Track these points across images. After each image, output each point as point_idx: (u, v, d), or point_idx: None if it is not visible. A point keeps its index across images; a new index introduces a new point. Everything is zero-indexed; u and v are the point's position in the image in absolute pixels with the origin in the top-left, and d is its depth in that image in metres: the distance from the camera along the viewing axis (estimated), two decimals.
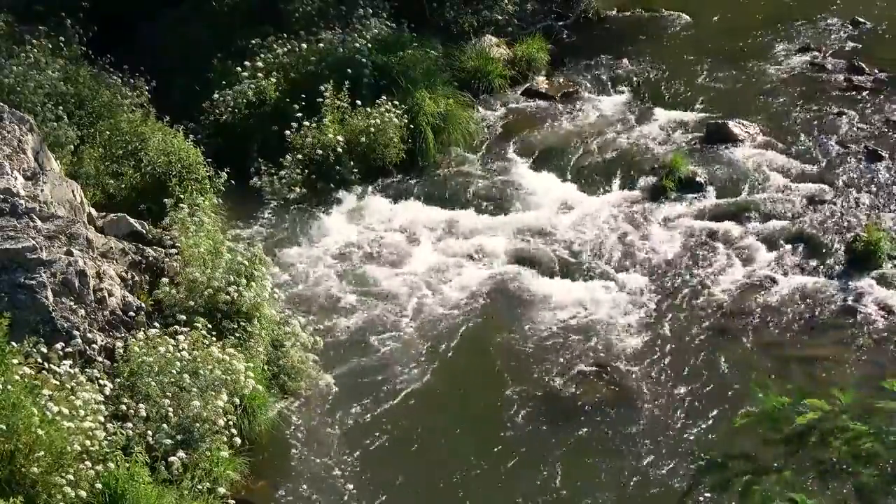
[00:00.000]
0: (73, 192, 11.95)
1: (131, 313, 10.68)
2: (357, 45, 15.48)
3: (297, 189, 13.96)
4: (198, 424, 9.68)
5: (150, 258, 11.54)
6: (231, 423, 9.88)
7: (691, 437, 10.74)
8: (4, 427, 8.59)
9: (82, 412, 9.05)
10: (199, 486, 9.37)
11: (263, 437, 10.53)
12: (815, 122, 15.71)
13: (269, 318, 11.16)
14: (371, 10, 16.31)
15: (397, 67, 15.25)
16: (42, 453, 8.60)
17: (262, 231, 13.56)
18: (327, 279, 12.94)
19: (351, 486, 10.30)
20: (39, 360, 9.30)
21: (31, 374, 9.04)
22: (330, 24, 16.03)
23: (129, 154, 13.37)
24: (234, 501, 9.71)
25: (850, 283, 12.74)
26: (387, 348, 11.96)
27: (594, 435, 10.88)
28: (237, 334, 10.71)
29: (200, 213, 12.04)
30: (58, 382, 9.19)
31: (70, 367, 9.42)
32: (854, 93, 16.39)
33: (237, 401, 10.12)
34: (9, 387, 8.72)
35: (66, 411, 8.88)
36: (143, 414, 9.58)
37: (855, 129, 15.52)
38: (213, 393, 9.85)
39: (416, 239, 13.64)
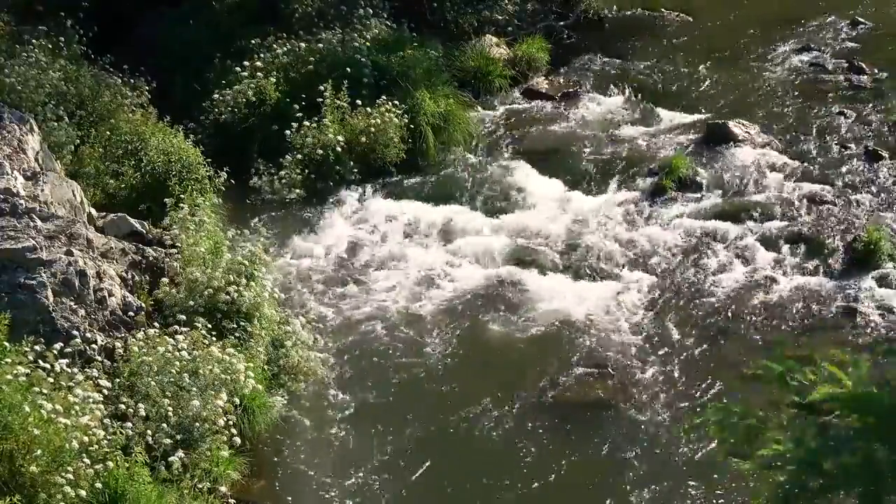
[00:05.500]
0: (73, 192, 11.95)
1: (131, 313, 10.67)
2: (357, 45, 15.49)
3: (297, 189, 13.98)
4: (198, 424, 9.67)
5: (150, 258, 11.54)
6: (231, 422, 9.87)
7: (691, 436, 10.74)
8: (1, 428, 8.59)
9: (78, 409, 9.03)
10: (200, 486, 9.36)
11: (263, 437, 10.53)
12: (815, 122, 15.72)
13: (269, 317, 11.16)
14: (371, 10, 16.32)
15: (397, 67, 15.25)
16: (39, 452, 8.59)
17: (262, 231, 13.53)
18: (327, 279, 12.95)
19: (351, 486, 10.31)
20: (32, 358, 9.27)
21: (25, 372, 9.02)
22: (330, 24, 16.04)
23: (129, 154, 13.37)
24: (234, 501, 9.71)
25: (850, 283, 12.74)
26: (387, 348, 11.96)
27: (593, 434, 10.88)
28: (237, 334, 10.71)
29: (200, 212, 12.04)
30: (53, 381, 9.16)
31: (67, 365, 9.40)
32: (854, 93, 16.40)
33: (237, 400, 10.12)
34: (3, 387, 8.71)
35: (60, 408, 8.86)
36: (143, 413, 9.57)
37: (855, 129, 15.53)
38: (213, 392, 9.85)
39: (416, 238, 13.64)
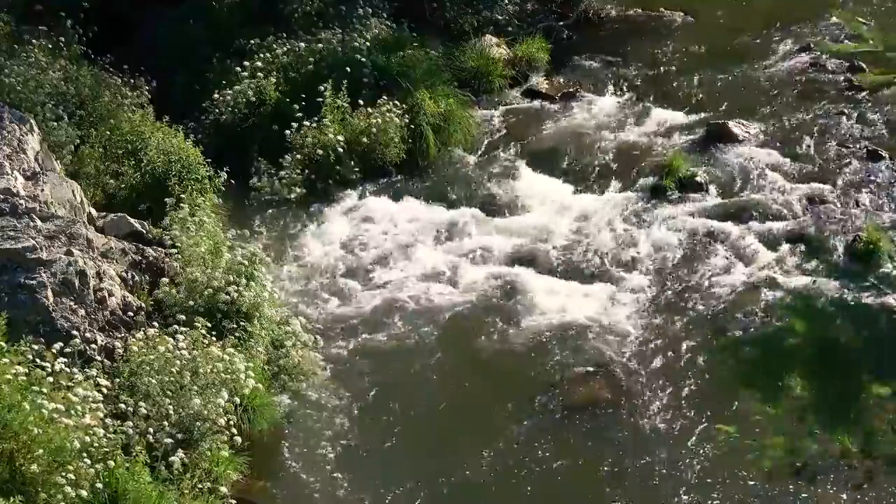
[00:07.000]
0: (73, 192, 11.95)
1: (131, 313, 10.67)
2: (357, 45, 15.50)
3: (297, 189, 13.98)
4: (198, 423, 9.68)
5: (150, 258, 11.54)
6: (231, 422, 9.88)
7: (690, 437, 10.75)
8: (1, 427, 8.59)
9: (79, 408, 9.03)
10: (200, 486, 9.36)
11: (263, 437, 10.53)
12: (815, 122, 15.71)
13: (269, 317, 11.17)
14: (371, 10, 16.33)
15: (397, 67, 15.26)
16: (40, 451, 8.59)
17: (262, 231, 13.56)
18: (327, 279, 12.95)
19: (351, 486, 10.31)
20: (31, 357, 9.26)
21: (24, 372, 9.01)
22: (330, 24, 16.05)
23: (129, 154, 13.38)
24: (234, 501, 9.71)
25: (850, 283, 12.73)
26: (386, 348, 11.97)
27: (593, 435, 10.88)
28: (237, 334, 10.72)
29: (200, 212, 12.04)
30: (52, 380, 9.15)
31: (66, 365, 9.39)
32: (854, 93, 16.40)
33: (237, 400, 10.12)
34: (3, 386, 8.71)
35: (61, 408, 8.86)
36: (143, 412, 9.57)
37: (855, 129, 15.53)
38: (214, 391, 9.85)
39: (416, 239, 13.63)
